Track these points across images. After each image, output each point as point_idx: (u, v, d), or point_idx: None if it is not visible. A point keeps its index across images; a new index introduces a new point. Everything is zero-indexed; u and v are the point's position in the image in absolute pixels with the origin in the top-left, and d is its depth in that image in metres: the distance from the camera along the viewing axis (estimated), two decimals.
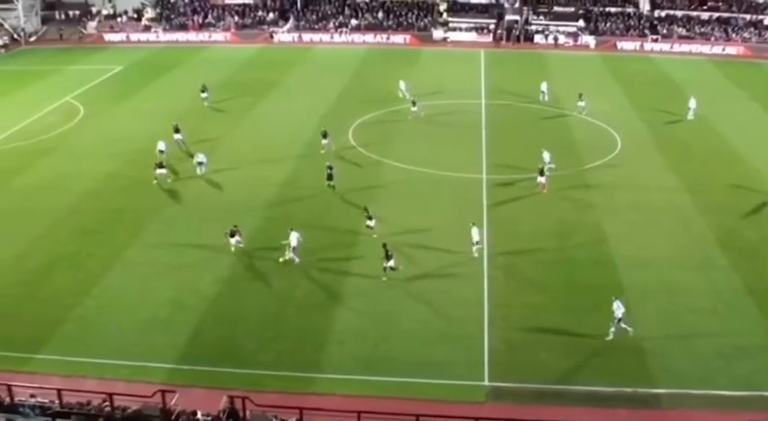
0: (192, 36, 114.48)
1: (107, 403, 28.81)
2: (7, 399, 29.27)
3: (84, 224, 53.07)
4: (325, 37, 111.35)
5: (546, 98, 77.59)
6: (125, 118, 75.12)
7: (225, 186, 57.66)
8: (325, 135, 64.31)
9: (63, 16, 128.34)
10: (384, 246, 45.60)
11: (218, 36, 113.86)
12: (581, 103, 73.25)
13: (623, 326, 39.24)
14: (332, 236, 49.64)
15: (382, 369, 37.06)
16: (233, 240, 48.52)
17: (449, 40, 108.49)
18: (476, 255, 47.08)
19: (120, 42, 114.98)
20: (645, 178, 58.87)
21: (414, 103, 73.68)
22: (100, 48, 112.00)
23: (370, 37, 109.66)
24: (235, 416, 28.36)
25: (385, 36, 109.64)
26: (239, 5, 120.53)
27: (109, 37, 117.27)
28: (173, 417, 26.68)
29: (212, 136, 68.36)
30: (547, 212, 53.08)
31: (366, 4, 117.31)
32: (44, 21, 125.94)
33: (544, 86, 78.38)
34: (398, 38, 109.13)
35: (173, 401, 27.58)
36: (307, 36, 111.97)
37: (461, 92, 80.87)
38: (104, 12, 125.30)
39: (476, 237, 47.27)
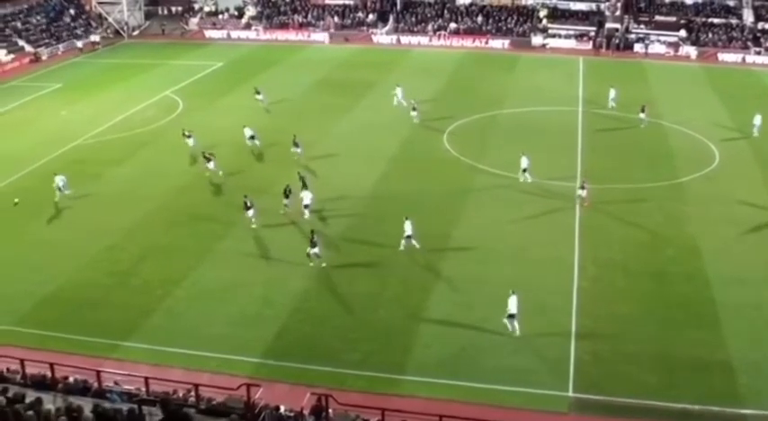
0: (291, 35, 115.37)
1: (192, 393, 29.13)
2: (95, 385, 29.75)
3: (177, 217, 53.94)
4: (424, 40, 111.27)
5: (613, 105, 76.33)
6: (222, 114, 76.01)
7: (319, 184, 57.93)
8: (296, 144, 63.62)
9: (166, 12, 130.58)
10: (312, 232, 47.45)
11: (318, 36, 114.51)
12: (642, 115, 71.73)
13: (515, 324, 39.68)
14: (424, 238, 49.45)
15: (466, 374, 36.87)
16: (249, 213, 50.97)
17: (548, 46, 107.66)
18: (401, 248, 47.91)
19: (221, 39, 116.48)
20: (742, 193, 57.55)
21: (414, 109, 73.39)
22: (201, 44, 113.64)
23: (468, 41, 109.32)
24: (318, 413, 28.46)
25: (483, 40, 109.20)
26: (339, 6, 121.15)
27: (210, 33, 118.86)
28: (256, 411, 26.81)
29: (309, 135, 68.80)
30: (639, 223, 52.28)
31: (466, 7, 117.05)
32: (147, 16, 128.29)
33: (612, 93, 77.10)
34: (497, 43, 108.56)
35: (257, 395, 27.68)
36: (405, 38, 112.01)
37: (558, 99, 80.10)
38: (206, 9, 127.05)
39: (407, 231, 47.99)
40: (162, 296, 43.93)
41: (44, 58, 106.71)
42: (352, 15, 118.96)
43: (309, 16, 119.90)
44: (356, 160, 63.47)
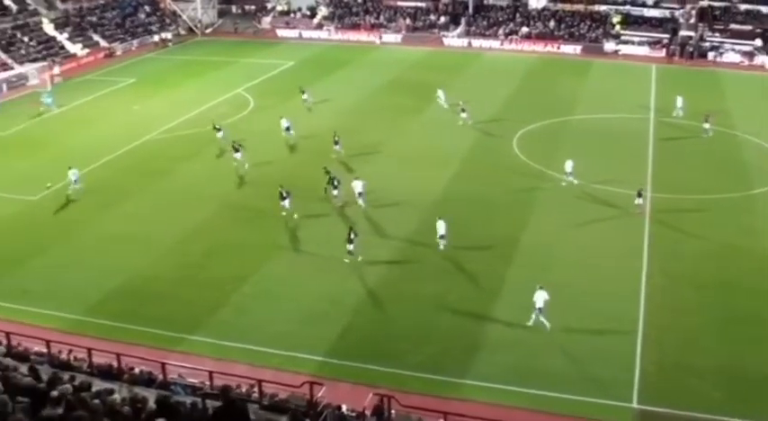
0: (363, 36, 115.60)
1: (255, 389, 29.20)
2: (160, 377, 29.95)
3: (247, 213, 54.31)
4: (495, 43, 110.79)
5: (680, 113, 75.18)
6: (292, 113, 76.13)
7: (388, 185, 57.97)
8: (336, 142, 64.55)
9: (239, 10, 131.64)
10: (350, 228, 47.88)
11: (389, 37, 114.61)
12: (706, 125, 70.47)
13: (542, 319, 40.20)
14: (491, 242, 49.39)
15: (529, 381, 36.50)
16: (285, 203, 52.13)
17: (620, 52, 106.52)
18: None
19: (293, 38, 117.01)
20: None
21: (463, 111, 73.23)
22: (273, 43, 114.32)
23: (540, 46, 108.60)
24: (380, 414, 28.36)
25: (555, 46, 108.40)
26: (411, 8, 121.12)
27: (282, 33, 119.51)
28: (318, 409, 26.79)
29: (379, 136, 68.91)
30: (710, 235, 51.32)
31: (538, 12, 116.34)
32: (220, 14, 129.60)
33: (679, 102, 75.96)
34: (568, 48, 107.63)
35: (319, 394, 27.67)
36: (476, 42, 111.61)
37: (630, 106, 79.07)
38: (279, 8, 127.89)
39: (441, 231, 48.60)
40: (229, 292, 44.26)
41: (118, 53, 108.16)
42: (423, 17, 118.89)
43: (381, 17, 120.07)
44: (425, 162, 63.32)
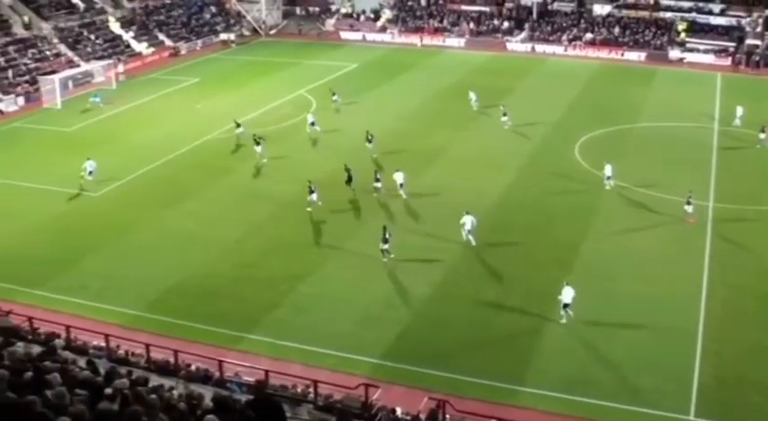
0: (426, 39, 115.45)
1: (311, 389, 29.19)
2: (217, 374, 30.07)
3: (305, 214, 54.38)
4: (559, 49, 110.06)
5: (738, 123, 73.98)
6: (354, 115, 76.44)
7: (447, 189, 57.82)
8: (369, 140, 65.86)
9: (303, 12, 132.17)
10: (384, 228, 47.80)
11: (452, 41, 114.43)
12: (762, 135, 69.19)
13: (569, 312, 40.79)
14: (551, 249, 49.02)
15: (586, 390, 36.07)
16: (313, 197, 53.35)
17: (685, 60, 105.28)
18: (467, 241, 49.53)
19: (356, 41, 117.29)
20: None
21: (504, 114, 73.15)
22: (336, 45, 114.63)
23: (603, 52, 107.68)
24: (434, 418, 28.23)
25: (619, 52, 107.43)
26: (475, 12, 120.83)
27: (345, 35, 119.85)
28: (373, 412, 26.71)
29: (439, 140, 68.79)
30: None
31: (602, 18, 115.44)
32: (285, 15, 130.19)
33: (739, 111, 74.72)
34: (633, 55, 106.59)
35: (374, 396, 27.61)
36: (540, 47, 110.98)
37: (694, 115, 78.05)
38: (343, 10, 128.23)
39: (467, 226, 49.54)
40: (287, 291, 44.41)
41: (183, 52, 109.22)
42: (487, 22, 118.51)
43: (445, 21, 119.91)
44: (485, 166, 63.07)
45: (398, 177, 57.13)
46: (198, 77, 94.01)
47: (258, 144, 64.41)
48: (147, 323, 40.89)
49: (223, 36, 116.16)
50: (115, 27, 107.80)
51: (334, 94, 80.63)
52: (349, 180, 57.71)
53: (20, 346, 24.23)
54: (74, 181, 59.75)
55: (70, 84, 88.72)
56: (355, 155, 63.51)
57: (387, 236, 47.75)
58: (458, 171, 62.26)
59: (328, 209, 55.07)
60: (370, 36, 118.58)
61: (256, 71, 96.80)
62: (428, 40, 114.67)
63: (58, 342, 28.82)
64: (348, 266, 47.56)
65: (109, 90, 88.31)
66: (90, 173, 59.90)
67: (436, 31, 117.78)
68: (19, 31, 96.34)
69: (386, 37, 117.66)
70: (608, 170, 58.76)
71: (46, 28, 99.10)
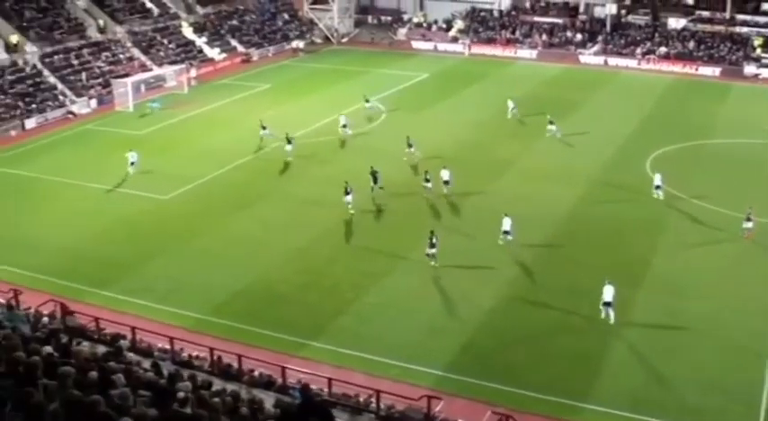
0: (498, 50, 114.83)
1: (373, 399, 29.06)
2: (279, 380, 30.07)
3: (371, 222, 54.48)
4: (632, 63, 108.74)
5: None
6: (423, 125, 76.17)
7: (513, 201, 57.35)
8: (410, 145, 66.34)
9: (375, 21, 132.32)
10: (431, 233, 47.97)
11: (524, 52, 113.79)
12: None
13: (610, 312, 41.41)
14: (620, 265, 48.26)
15: (651, 409, 35.48)
16: (348, 198, 53.87)
17: (760, 76, 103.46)
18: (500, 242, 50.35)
19: (428, 51, 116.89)
20: None
21: (551, 123, 73.09)
22: (408, 54, 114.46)
23: (677, 66, 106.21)
24: None
25: (693, 67, 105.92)
26: (548, 24, 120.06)
27: (417, 44, 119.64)
28: None
29: (507, 152, 68.37)
30: None
31: (677, 32, 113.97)
32: (357, 24, 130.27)
33: None
34: (707, 70, 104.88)
35: (437, 408, 27.46)
36: (613, 60, 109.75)
37: None
38: (415, 20, 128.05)
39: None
40: (352, 299, 44.46)
41: (254, 58, 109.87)
42: (560, 34, 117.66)
43: (517, 32, 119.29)
44: (555, 178, 62.49)
45: (444, 174, 58.59)
46: (269, 84, 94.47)
47: (290, 143, 66.20)
48: (211, 327, 41.19)
49: (293, 44, 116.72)
50: (188, 32, 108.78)
51: (367, 101, 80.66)
52: (375, 182, 58.29)
53: (85, 346, 24.42)
54: (144, 184, 60.43)
55: (143, 87, 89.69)
56: (428, 165, 63.25)
57: (433, 241, 47.73)
58: (526, 182, 61.79)
59: (396, 216, 55.22)
60: (442, 46, 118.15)
61: (327, 79, 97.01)
62: (500, 50, 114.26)
63: (124, 343, 29.00)
64: (413, 275, 47.44)
65: (180, 94, 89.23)
66: (132, 164, 61.38)
67: (508, 42, 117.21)
68: (93, 34, 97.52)
69: (458, 47, 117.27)
70: (657, 179, 58.38)
71: (120, 32, 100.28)
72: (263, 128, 70.50)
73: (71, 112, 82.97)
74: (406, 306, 43.86)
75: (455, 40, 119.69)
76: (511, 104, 79.81)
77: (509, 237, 50.56)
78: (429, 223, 53.15)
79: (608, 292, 41.85)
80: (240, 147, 69.58)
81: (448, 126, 76.36)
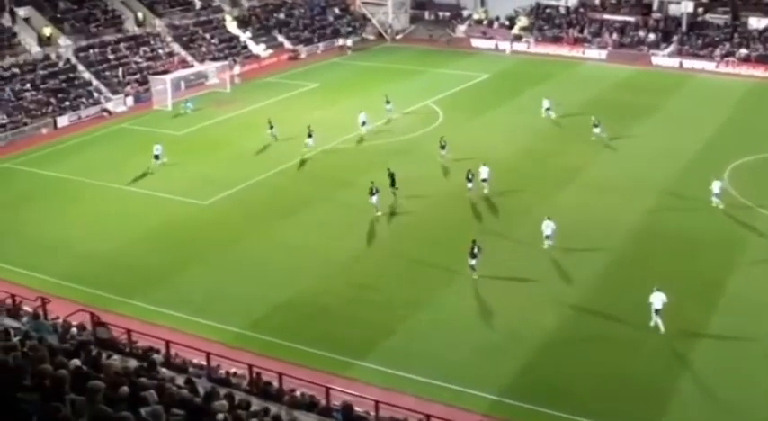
0: (564, 50, 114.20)
1: None
2: (323, 402, 29.94)
3: (431, 233, 54.31)
4: (709, 65, 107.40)
5: None
6: (482, 129, 76.03)
7: (580, 213, 57.04)
8: (443, 146, 67.52)
9: (432, 17, 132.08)
10: (473, 242, 48.02)
11: (593, 52, 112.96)
12: None
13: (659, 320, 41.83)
14: (691, 284, 47.56)
15: None
16: (373, 199, 54.74)
17: None
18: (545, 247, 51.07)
19: (488, 49, 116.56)
20: None
21: (596, 126, 72.99)
22: (466, 53, 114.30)
23: (759, 70, 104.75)
24: None
25: None
26: (619, 22, 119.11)
27: (477, 43, 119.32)
28: None
29: (573, 160, 67.83)
30: None
31: (759, 33, 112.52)
32: (412, 20, 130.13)
33: None
34: None
35: None
36: (688, 62, 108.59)
37: None
38: (475, 16, 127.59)
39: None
40: (404, 316, 44.19)
41: (302, 55, 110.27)
42: (631, 33, 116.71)
43: (585, 31, 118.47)
44: (624, 189, 61.86)
45: (483, 172, 59.91)
46: (317, 83, 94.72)
47: (310, 136, 68.05)
48: (250, 342, 41.21)
49: (340, 41, 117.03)
50: (232, 27, 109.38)
51: (388, 103, 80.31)
52: (393, 184, 58.87)
53: (116, 359, 24.45)
54: (182, 188, 60.74)
55: (182, 85, 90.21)
56: (493, 171, 63.03)
57: (475, 250, 47.68)
58: (591, 193, 61.27)
59: (451, 227, 54.90)
60: (504, 44, 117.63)
61: (380, 78, 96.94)
62: (566, 50, 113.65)
63: (157, 357, 29.04)
64: (471, 292, 47.06)
65: (223, 93, 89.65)
66: (156, 157, 62.72)
67: (575, 41, 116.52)
68: (131, 27, 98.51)
69: (521, 46, 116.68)
70: (716, 187, 58.16)
71: (159, 25, 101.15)
72: (271, 126, 71.61)
73: (106, 110, 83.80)
74: (462, 324, 43.60)
75: (518, 38, 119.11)
76: (546, 103, 79.70)
77: (550, 242, 51.15)
78: (486, 235, 52.86)
79: (657, 300, 42.20)
80: (286, 149, 69.70)
81: (508, 131, 76.14)
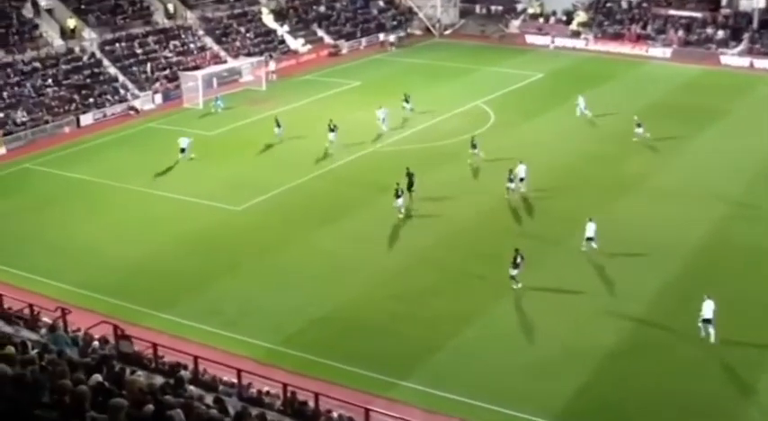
0: (626, 48, 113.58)
1: None
2: None
3: (480, 245, 54.10)
4: None
5: None
6: (536, 132, 75.72)
7: (635, 221, 56.68)
8: (474, 145, 68.38)
9: (483, 11, 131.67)
10: (516, 251, 48.04)
11: (657, 51, 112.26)
12: None
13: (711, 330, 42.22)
14: (762, 301, 47.15)
15: None
16: (399, 202, 56.97)
17: None
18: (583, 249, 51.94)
19: (544, 46, 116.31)
20: None
21: (639, 125, 73.48)
22: (520, 50, 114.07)
23: None
24: None
25: None
26: (685, 18, 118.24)
27: (531, 39, 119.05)
28: None
29: (637, 167, 67.37)
30: None
31: None
32: (462, 14, 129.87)
33: None
34: None
35: None
36: (760, 62, 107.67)
37: None
38: (530, 10, 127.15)
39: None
40: (450, 333, 43.86)
41: (344, 51, 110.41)
42: (698, 30, 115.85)
43: (649, 28, 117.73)
44: (686, 198, 61.36)
45: (521, 170, 61.16)
46: (359, 81, 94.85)
47: (333, 131, 69.57)
48: (285, 359, 41.13)
49: (382, 36, 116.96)
50: (268, 20, 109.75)
51: (407, 101, 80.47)
52: (410, 186, 59.29)
53: (141, 375, 24.40)
54: (211, 192, 60.83)
55: (215, 81, 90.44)
56: (546, 176, 62.81)
57: (518, 260, 47.67)
58: (656, 202, 60.67)
59: (498, 235, 54.79)
60: (560, 41, 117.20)
61: (427, 76, 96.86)
62: (628, 48, 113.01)
63: (184, 374, 28.99)
64: (523, 307, 46.86)
65: (258, 91, 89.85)
66: (183, 150, 64.77)
67: (638, 38, 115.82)
68: (160, 19, 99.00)
69: (579, 43, 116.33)
70: None
71: (191, 18, 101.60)
72: (278, 125, 72.90)
73: (133, 108, 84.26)
74: (512, 340, 43.36)
75: (576, 34, 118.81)
76: (582, 102, 79.69)
77: (593, 245, 51.19)
78: (537, 244, 52.62)
79: (707, 309, 42.42)
80: (324, 152, 69.80)
81: (564, 134, 75.81)
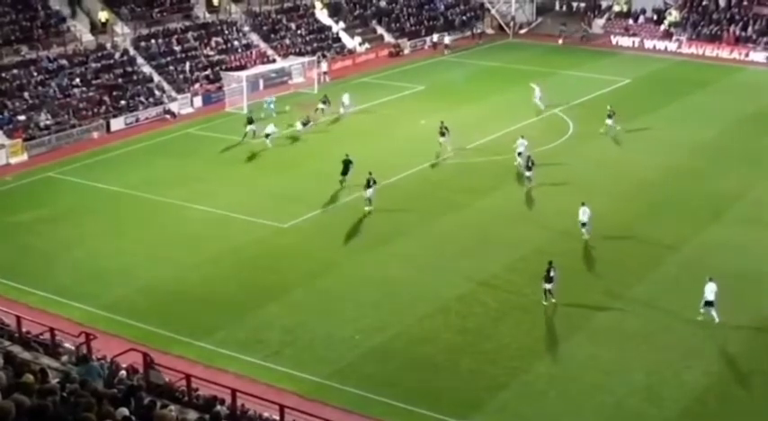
0: (724, 52, 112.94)
1: None
2: None
3: (544, 267, 53.66)
4: None
5: None
6: (619, 144, 75.39)
7: (729, 250, 56.06)
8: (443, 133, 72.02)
9: (563, 8, 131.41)
10: (549, 263, 48.83)
11: (758, 55, 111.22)
12: None
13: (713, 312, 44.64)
14: None
15: None
16: (369, 192, 58.75)
17: None
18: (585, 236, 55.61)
19: (631, 48, 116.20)
20: None
21: (610, 116, 76.37)
22: (605, 52, 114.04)
23: None
24: None
25: None
26: None
27: (617, 40, 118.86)
28: None
29: (731, 186, 66.51)
30: None
31: None
32: (539, 11, 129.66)
33: None
34: None
35: None
36: None
37: None
38: (616, 8, 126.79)
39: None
40: (517, 369, 43.69)
41: (406, 51, 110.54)
42: None
43: (749, 29, 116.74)
44: None
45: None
46: (423, 85, 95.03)
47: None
48: (332, 394, 41.15)
49: (435, 37, 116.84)
50: (322, 15, 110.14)
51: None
52: (344, 172, 63.40)
53: (172, 410, 24.61)
54: (256, 207, 61.03)
55: (261, 83, 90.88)
56: (629, 199, 62.67)
57: (551, 274, 48.09)
58: (753, 227, 60.17)
59: (589, 261, 54.83)
60: (650, 43, 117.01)
61: (499, 80, 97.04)
62: (726, 52, 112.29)
63: (221, 409, 29.18)
64: (599, 344, 46.33)
65: (309, 94, 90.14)
66: (267, 135, 71.17)
67: (737, 41, 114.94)
68: (201, 13, 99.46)
69: (671, 45, 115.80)
70: None
71: (235, 12, 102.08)
72: (250, 121, 76.20)
73: (169, 112, 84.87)
74: (587, 380, 42.98)
75: (668, 35, 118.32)
76: (537, 91, 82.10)
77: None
78: (629, 272, 52.53)
79: (710, 291, 45.96)
80: (382, 165, 68.35)
81: (651, 146, 75.39)
